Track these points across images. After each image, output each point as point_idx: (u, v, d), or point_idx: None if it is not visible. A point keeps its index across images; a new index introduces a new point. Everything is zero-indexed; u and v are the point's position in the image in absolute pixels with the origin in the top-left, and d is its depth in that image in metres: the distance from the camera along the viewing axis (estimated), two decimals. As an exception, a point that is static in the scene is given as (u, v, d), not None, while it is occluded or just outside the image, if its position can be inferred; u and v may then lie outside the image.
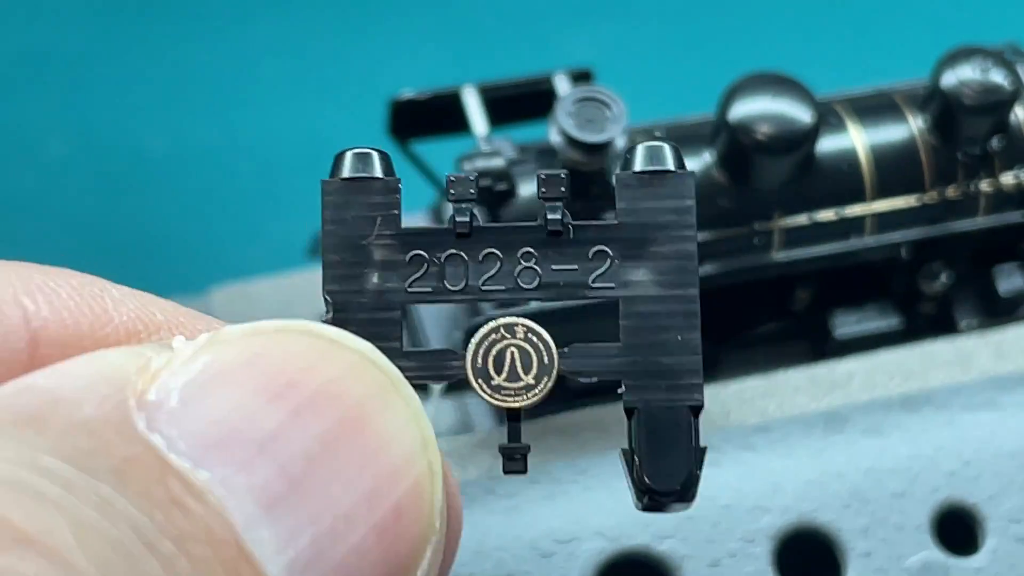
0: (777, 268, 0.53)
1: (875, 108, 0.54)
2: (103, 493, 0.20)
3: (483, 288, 0.26)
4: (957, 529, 0.46)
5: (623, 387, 0.26)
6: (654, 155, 0.27)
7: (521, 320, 0.26)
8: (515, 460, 0.26)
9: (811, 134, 0.51)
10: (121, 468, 0.20)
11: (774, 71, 0.52)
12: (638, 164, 0.27)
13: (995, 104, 0.52)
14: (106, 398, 0.21)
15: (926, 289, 0.55)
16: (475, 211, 0.26)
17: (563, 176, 0.26)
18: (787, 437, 0.48)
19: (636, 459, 0.25)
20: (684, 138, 0.53)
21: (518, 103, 0.57)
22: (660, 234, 0.26)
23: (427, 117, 0.57)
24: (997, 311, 0.56)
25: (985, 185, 0.54)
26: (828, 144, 0.53)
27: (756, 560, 0.45)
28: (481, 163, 0.51)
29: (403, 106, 0.56)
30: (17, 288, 0.25)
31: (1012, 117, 0.53)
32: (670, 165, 0.27)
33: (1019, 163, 0.54)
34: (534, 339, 0.26)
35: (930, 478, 0.47)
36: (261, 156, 0.98)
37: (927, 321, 0.56)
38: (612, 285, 0.26)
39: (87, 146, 0.99)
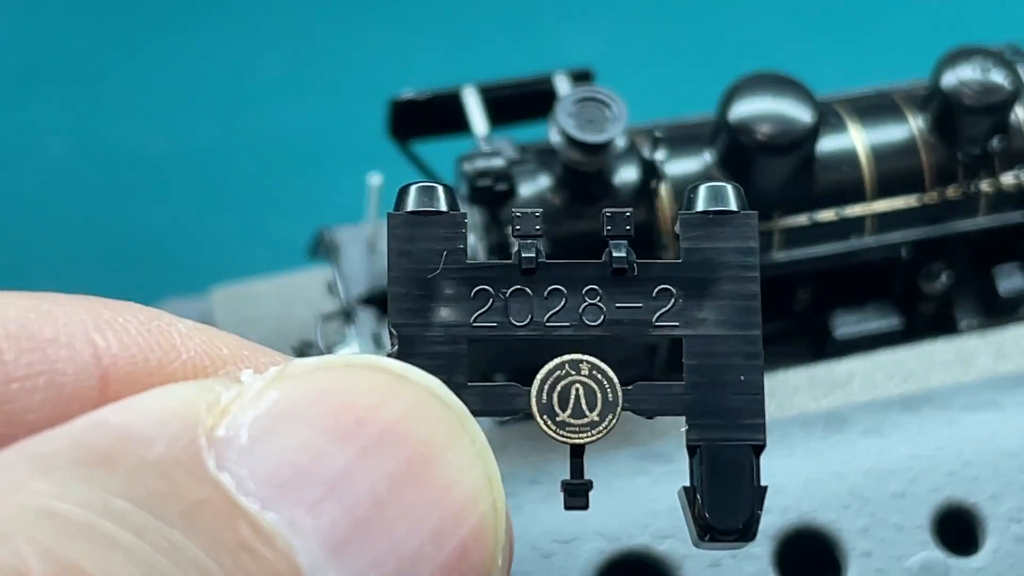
0: (777, 268, 0.53)
1: (875, 108, 0.54)
2: (173, 539, 0.20)
3: (548, 324, 0.26)
4: (957, 529, 0.47)
5: (686, 425, 0.26)
6: (717, 195, 0.27)
7: (586, 357, 0.26)
8: (577, 496, 0.27)
9: (811, 134, 0.51)
10: (191, 512, 0.20)
11: (774, 71, 0.52)
12: (701, 204, 0.27)
13: (995, 104, 0.52)
14: (177, 436, 0.21)
15: (926, 289, 0.55)
16: (540, 246, 0.26)
17: (628, 214, 0.26)
18: (787, 437, 0.48)
19: (698, 497, 0.26)
20: (684, 138, 0.53)
21: (518, 103, 0.57)
22: (723, 273, 0.26)
23: (427, 117, 0.57)
24: (997, 311, 0.56)
25: (985, 185, 0.54)
26: (828, 144, 0.53)
27: (756, 560, 0.45)
28: (481, 163, 0.51)
29: (403, 106, 0.56)
30: (88, 324, 0.25)
31: (1012, 117, 0.53)
32: (733, 206, 0.27)
33: (1019, 163, 0.54)
34: (599, 376, 0.26)
35: (930, 478, 0.47)
36: (261, 156, 0.99)
37: (927, 321, 0.56)
38: (676, 324, 0.26)
39: (87, 146, 0.99)
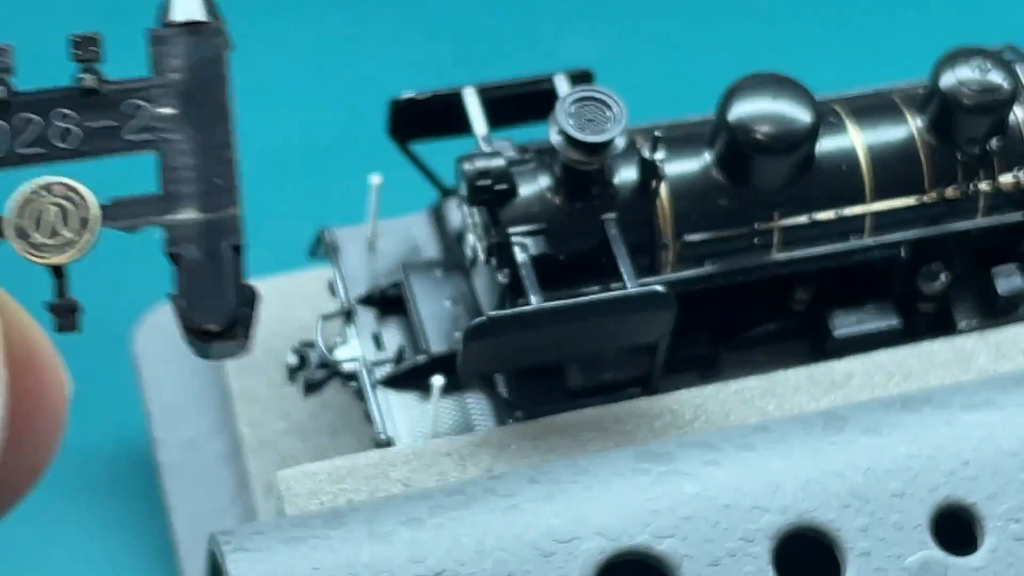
0: (777, 268, 0.53)
1: (875, 108, 0.54)
2: None
3: (21, 153, 0.27)
4: (956, 528, 0.47)
5: (165, 235, 0.26)
6: (188, 6, 0.27)
7: (59, 179, 0.27)
8: (66, 317, 0.27)
9: (811, 134, 0.51)
10: None
11: (774, 71, 0.52)
12: (172, 15, 0.27)
13: (994, 104, 0.52)
14: None
15: (925, 289, 0.55)
16: (11, 82, 0.27)
17: (95, 36, 0.27)
18: (787, 437, 0.48)
19: (182, 301, 0.26)
20: (684, 138, 0.53)
21: (518, 104, 0.57)
22: (194, 85, 0.27)
23: (427, 117, 0.57)
24: (996, 311, 0.56)
25: (984, 185, 0.54)
26: (828, 144, 0.53)
27: (755, 560, 0.45)
28: (481, 163, 0.51)
29: (403, 106, 0.56)
30: None
31: (1011, 117, 0.53)
32: (201, 16, 0.27)
33: (1018, 163, 0.54)
34: (73, 196, 0.27)
35: (929, 478, 0.47)
36: (260, 156, 0.98)
37: (927, 321, 0.56)
38: (150, 137, 0.27)
39: (87, 146, 0.99)
